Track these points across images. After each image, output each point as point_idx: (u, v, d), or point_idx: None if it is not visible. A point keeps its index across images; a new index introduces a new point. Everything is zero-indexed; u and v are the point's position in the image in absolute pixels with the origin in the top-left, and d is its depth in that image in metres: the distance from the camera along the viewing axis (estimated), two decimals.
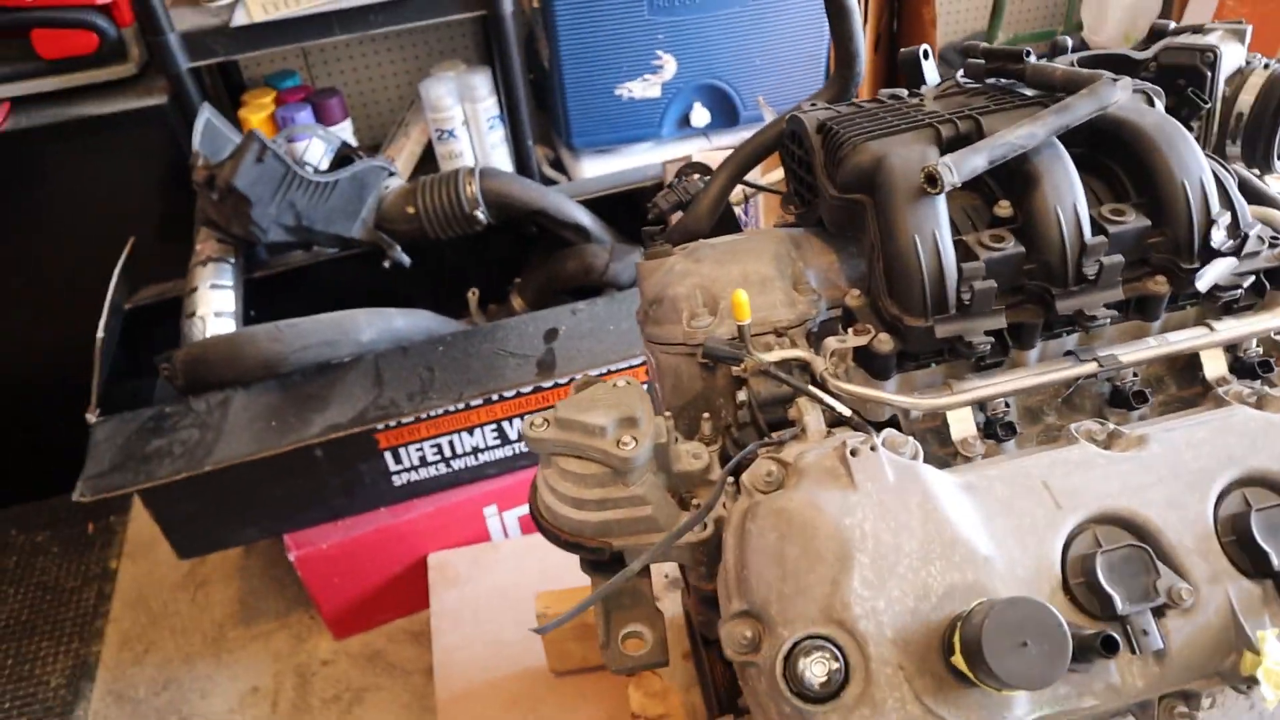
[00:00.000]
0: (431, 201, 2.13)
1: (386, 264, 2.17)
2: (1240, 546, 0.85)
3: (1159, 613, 0.83)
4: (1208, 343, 1.02)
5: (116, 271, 2.05)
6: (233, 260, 2.14)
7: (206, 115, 2.18)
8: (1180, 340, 1.02)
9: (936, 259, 0.94)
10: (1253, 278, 1.01)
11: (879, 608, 0.81)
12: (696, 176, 1.51)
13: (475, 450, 2.12)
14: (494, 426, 2.08)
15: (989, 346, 0.94)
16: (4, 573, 2.73)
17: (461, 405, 1.89)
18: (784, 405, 1.09)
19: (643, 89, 2.53)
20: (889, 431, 0.92)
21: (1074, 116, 0.99)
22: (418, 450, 2.06)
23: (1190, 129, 1.28)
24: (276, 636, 2.42)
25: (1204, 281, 0.98)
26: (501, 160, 2.71)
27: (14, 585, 2.70)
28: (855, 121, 1.10)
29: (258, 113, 2.64)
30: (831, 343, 0.99)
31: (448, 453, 2.10)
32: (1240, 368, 1.06)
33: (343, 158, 2.23)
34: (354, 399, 1.86)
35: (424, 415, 1.87)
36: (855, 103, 1.19)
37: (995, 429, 1.00)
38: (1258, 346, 1.06)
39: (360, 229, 2.12)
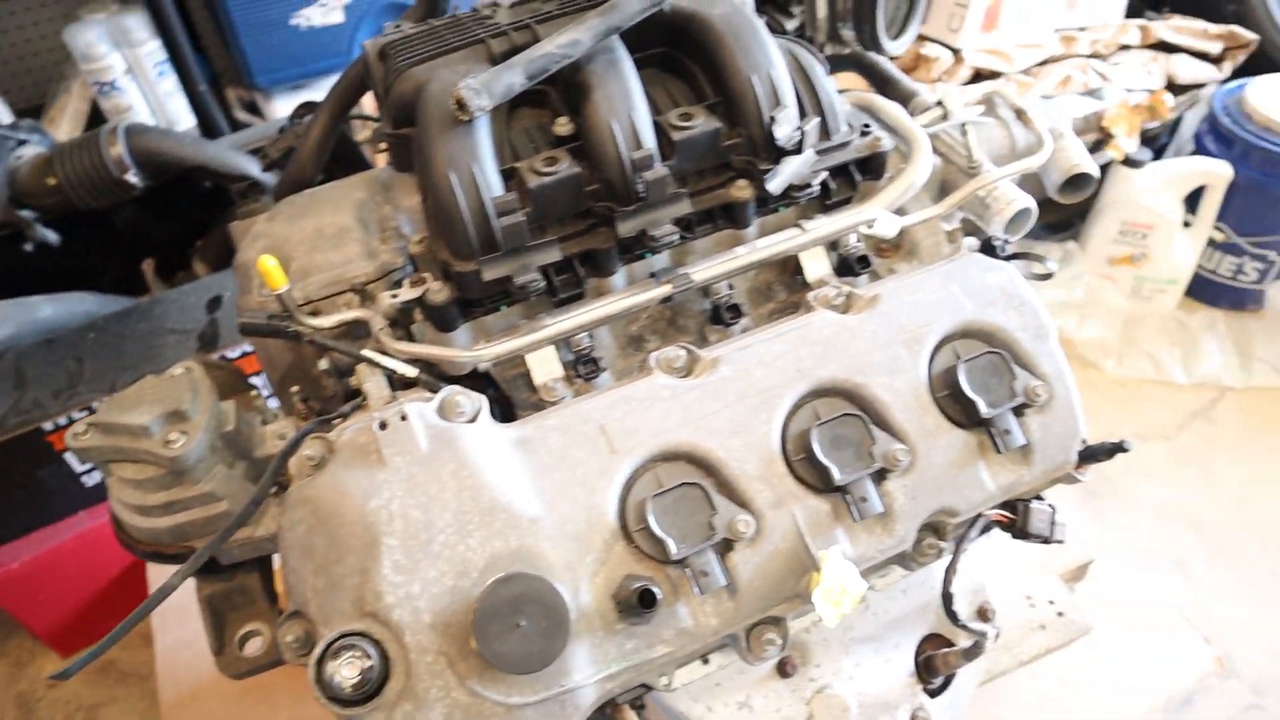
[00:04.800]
0: (74, 169, 1.85)
1: (27, 246, 1.88)
2: (809, 463, 0.81)
3: (727, 546, 0.79)
4: (796, 245, 0.97)
5: None
6: None
7: None
8: (767, 246, 0.96)
9: (475, 194, 0.84)
10: (825, 174, 0.96)
11: (414, 592, 0.73)
12: (309, 118, 1.35)
13: None
14: None
15: (542, 285, 0.86)
16: None
17: None
18: None
19: (322, 15, 2.29)
20: (450, 390, 0.83)
21: (623, 17, 0.90)
22: None
23: (792, 15, 1.23)
24: None
25: (776, 182, 0.92)
26: (180, 110, 2.42)
27: None
28: (414, 44, 0.98)
29: None
30: (384, 299, 0.88)
31: None
32: (842, 265, 1.02)
33: None
34: None
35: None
36: (431, 21, 1.06)
37: (577, 367, 0.92)
38: (858, 241, 1.02)
39: None
